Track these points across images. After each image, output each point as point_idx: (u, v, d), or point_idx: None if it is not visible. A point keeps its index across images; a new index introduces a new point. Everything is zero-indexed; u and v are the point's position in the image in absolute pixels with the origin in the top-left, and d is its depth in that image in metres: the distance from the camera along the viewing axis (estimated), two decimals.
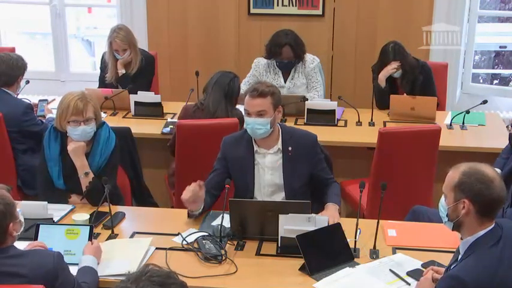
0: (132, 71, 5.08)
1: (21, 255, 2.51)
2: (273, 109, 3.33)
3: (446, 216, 2.50)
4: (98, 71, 5.47)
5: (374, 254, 2.98)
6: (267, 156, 3.43)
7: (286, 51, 4.89)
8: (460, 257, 2.50)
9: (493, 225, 2.45)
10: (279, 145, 3.42)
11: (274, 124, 3.37)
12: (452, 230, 2.53)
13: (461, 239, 2.52)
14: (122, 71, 5.10)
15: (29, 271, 2.44)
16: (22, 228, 2.61)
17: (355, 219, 3.06)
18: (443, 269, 2.62)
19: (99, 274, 2.76)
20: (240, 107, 4.20)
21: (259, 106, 3.31)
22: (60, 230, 2.96)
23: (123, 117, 4.88)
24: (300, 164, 3.42)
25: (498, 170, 3.95)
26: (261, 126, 3.32)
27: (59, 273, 2.49)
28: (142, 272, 1.83)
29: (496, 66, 7.42)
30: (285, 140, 3.42)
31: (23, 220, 2.62)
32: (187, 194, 3.18)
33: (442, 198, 2.54)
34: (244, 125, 3.44)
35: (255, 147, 3.43)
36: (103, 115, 4.82)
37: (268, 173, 3.44)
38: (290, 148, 3.41)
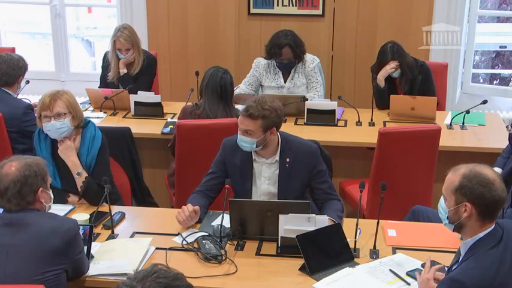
0: (134, 71, 5.09)
1: (47, 213, 2.77)
2: (262, 131, 3.26)
3: (447, 218, 2.50)
4: (98, 71, 5.48)
5: (374, 254, 2.98)
6: (264, 166, 3.41)
7: (286, 52, 4.88)
8: (461, 258, 2.50)
9: (493, 226, 2.45)
10: (277, 156, 3.38)
11: (263, 143, 3.30)
12: (453, 231, 2.53)
13: (461, 239, 2.52)
14: (123, 71, 5.10)
15: (52, 226, 2.63)
16: (51, 203, 2.82)
17: (355, 219, 3.06)
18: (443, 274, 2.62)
19: (99, 273, 2.79)
20: (241, 107, 4.20)
21: (246, 126, 3.26)
22: None
23: (123, 117, 4.88)
24: (296, 176, 3.37)
25: (499, 169, 3.97)
26: (246, 144, 3.30)
27: (77, 234, 2.69)
28: (149, 272, 1.83)
29: (496, 66, 7.42)
30: (284, 150, 3.37)
31: (52, 196, 2.82)
32: (182, 216, 3.18)
33: (442, 200, 2.53)
34: None
35: (254, 156, 3.41)
36: (103, 115, 4.85)
37: (265, 183, 3.42)
38: (288, 159, 3.36)
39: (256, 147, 3.30)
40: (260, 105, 3.25)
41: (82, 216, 3.20)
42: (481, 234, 2.44)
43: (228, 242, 3.07)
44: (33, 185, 2.67)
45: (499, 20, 7.03)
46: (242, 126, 3.28)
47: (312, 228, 2.94)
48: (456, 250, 2.62)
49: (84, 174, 3.45)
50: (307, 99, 4.75)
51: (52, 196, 2.83)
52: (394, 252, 3.02)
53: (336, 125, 4.70)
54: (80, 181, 3.45)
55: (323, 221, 3.00)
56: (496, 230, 2.45)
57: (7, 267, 2.54)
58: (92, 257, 2.89)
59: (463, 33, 5.79)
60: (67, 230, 2.63)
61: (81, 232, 2.87)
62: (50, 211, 2.86)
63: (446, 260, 2.74)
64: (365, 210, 4.05)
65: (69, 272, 2.68)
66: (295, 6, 5.84)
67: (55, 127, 3.40)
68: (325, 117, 4.69)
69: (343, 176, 4.49)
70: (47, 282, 2.53)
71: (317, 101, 4.85)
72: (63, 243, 2.60)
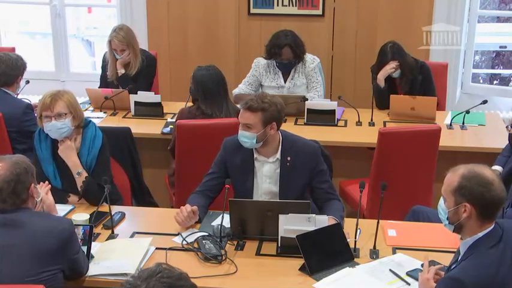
0: (131, 72, 5.08)
1: (42, 213, 2.82)
2: (262, 125, 3.26)
3: (447, 219, 2.50)
4: (98, 71, 5.48)
5: (374, 254, 2.98)
6: (266, 165, 3.40)
7: (286, 52, 4.88)
8: (460, 257, 2.50)
9: (493, 226, 2.45)
10: (278, 155, 3.37)
11: (263, 139, 3.30)
12: (453, 232, 2.53)
13: (461, 239, 2.52)
14: (121, 71, 5.10)
15: (47, 226, 2.63)
16: (39, 199, 2.82)
17: (355, 219, 3.06)
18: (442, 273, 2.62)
19: (99, 273, 2.79)
20: None
21: (246, 119, 3.28)
22: None
23: (123, 117, 4.88)
24: (297, 175, 3.36)
25: (499, 168, 3.98)
26: (246, 140, 3.30)
27: (73, 234, 2.68)
28: (154, 271, 1.83)
29: (496, 66, 7.42)
30: (285, 149, 3.37)
31: (40, 191, 2.84)
32: (180, 217, 3.18)
33: (441, 201, 2.53)
34: None
35: (255, 155, 3.40)
36: (103, 115, 4.85)
37: (266, 182, 3.42)
38: (289, 158, 3.36)
39: (257, 142, 3.30)
40: (260, 99, 3.29)
41: (82, 216, 3.20)
42: (481, 234, 2.44)
43: (228, 242, 3.07)
44: (26, 182, 2.68)
45: (499, 20, 7.04)
46: (242, 120, 3.30)
47: (312, 228, 2.94)
48: (456, 250, 2.62)
49: (84, 174, 3.45)
50: (307, 99, 4.75)
51: (40, 191, 2.84)
52: (394, 252, 3.02)
53: (336, 125, 4.70)
54: (80, 181, 3.45)
55: (323, 221, 3.00)
56: (495, 230, 2.45)
57: (2, 268, 2.53)
58: (92, 257, 2.89)
59: (463, 33, 5.79)
60: (62, 230, 2.62)
61: (81, 232, 2.89)
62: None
63: (446, 260, 2.74)
64: (365, 210, 4.05)
65: (66, 272, 2.67)
66: (295, 6, 5.84)
67: (56, 127, 3.40)
68: (325, 117, 4.69)
69: (343, 176, 4.49)
70: (42, 282, 2.52)
71: (317, 101, 4.85)
72: (58, 243, 2.59)
